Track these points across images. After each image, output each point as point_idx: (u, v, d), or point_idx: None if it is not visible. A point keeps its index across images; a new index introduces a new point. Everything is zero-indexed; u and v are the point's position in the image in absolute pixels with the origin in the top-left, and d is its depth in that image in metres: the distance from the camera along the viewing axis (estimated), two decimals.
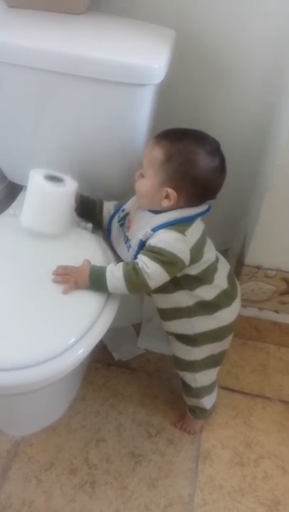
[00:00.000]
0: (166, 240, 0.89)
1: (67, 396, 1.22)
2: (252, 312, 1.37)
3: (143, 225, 0.93)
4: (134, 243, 0.94)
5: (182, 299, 0.97)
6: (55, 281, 0.92)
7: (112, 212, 1.06)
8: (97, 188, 1.14)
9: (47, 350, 0.83)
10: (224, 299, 1.01)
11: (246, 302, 1.34)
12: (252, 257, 1.23)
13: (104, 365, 1.32)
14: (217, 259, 1.00)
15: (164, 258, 0.88)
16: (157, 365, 1.34)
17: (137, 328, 1.40)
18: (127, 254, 0.98)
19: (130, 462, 1.14)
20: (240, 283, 1.29)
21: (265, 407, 1.28)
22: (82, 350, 0.86)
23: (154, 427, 1.21)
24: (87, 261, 0.93)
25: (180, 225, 0.91)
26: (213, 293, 0.99)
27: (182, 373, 1.10)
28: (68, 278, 0.91)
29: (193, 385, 1.10)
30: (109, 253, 1.04)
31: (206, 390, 1.12)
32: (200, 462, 1.16)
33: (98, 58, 0.92)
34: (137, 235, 0.94)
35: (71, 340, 0.85)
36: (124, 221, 1.01)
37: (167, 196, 0.90)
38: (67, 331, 0.86)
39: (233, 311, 1.04)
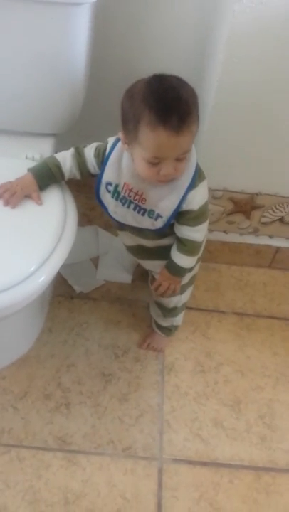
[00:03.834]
0: (203, 197, 0.93)
1: (33, 330, 1.25)
2: None
3: (170, 192, 0.89)
4: (167, 213, 0.91)
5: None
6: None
7: (77, 174, 0.99)
8: (35, 121, 1.11)
9: (9, 278, 0.85)
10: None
11: None
12: None
13: (66, 299, 1.35)
14: None
15: (207, 216, 0.97)
16: (117, 294, 1.39)
17: (95, 261, 1.44)
18: (149, 222, 0.94)
19: (101, 382, 1.21)
20: None
21: (220, 320, 1.37)
22: (43, 278, 0.89)
23: (120, 348, 1.27)
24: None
25: (200, 171, 0.91)
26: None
27: (170, 298, 1.12)
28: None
29: (178, 305, 1.15)
30: (69, 197, 1.02)
31: (183, 306, 1.19)
32: (165, 374, 1.24)
33: None
34: (165, 204, 0.90)
35: (32, 268, 0.88)
36: (120, 194, 0.93)
37: None
38: (27, 259, 0.89)
39: None
